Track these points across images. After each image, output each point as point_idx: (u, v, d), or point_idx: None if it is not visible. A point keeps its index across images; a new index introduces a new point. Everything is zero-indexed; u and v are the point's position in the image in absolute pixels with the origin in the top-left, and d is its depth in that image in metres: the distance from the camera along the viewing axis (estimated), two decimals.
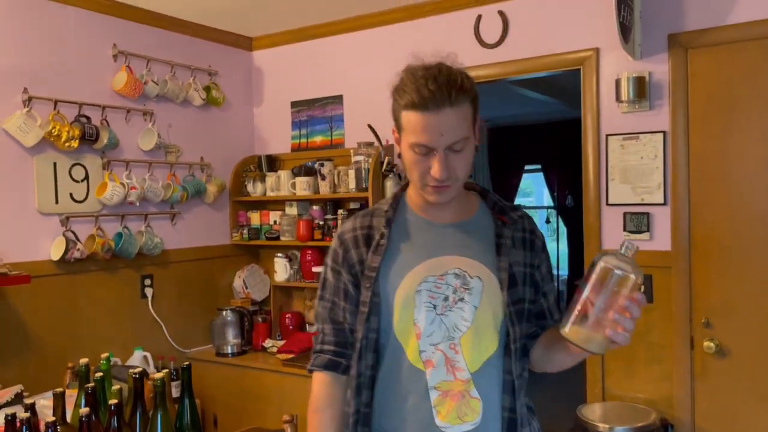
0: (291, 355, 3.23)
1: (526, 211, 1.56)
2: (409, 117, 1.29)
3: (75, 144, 2.84)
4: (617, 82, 2.73)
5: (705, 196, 2.65)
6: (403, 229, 1.42)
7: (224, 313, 3.41)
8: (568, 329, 1.19)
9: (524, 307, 1.38)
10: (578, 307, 1.18)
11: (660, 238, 2.72)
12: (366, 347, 1.37)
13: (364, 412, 1.36)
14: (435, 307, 1.34)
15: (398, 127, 1.35)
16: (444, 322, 1.33)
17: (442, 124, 1.26)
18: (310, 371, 1.46)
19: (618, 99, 2.75)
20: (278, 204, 3.69)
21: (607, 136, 2.81)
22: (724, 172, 2.61)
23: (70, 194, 2.93)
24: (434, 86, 1.25)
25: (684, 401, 2.68)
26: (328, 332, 1.44)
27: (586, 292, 1.17)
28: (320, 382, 1.43)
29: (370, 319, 1.36)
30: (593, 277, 1.17)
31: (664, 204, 2.70)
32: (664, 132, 2.70)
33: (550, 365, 1.42)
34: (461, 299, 1.34)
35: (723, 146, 2.61)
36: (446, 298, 1.34)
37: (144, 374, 1.74)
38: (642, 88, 2.69)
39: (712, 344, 2.61)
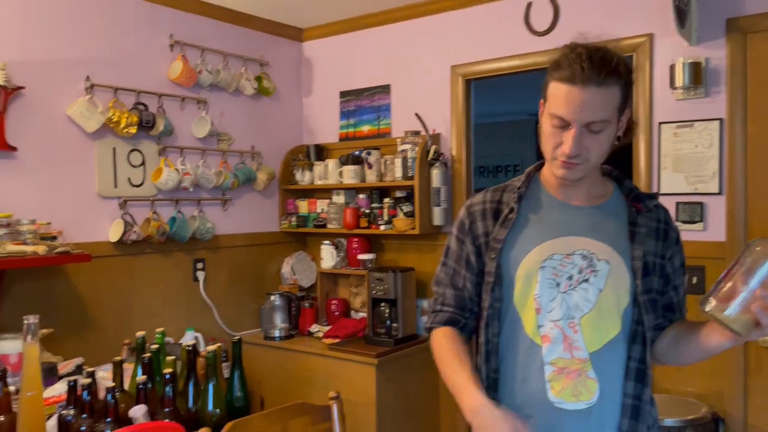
0: (336, 340, 3.28)
1: None
2: (555, 88, 1.30)
3: (133, 130, 2.95)
4: (672, 69, 2.67)
5: (763, 185, 2.56)
6: (535, 206, 1.44)
7: (272, 297, 3.48)
8: (713, 306, 1.18)
9: (653, 298, 1.38)
10: (727, 286, 1.18)
11: (714, 229, 2.65)
12: (492, 316, 1.39)
13: (493, 378, 1.39)
14: (558, 284, 1.35)
15: (544, 97, 1.36)
16: (566, 300, 1.34)
17: (585, 101, 1.26)
18: (429, 329, 1.50)
19: (672, 86, 2.68)
20: (326, 192, 3.75)
21: (660, 123, 2.75)
22: None
23: (128, 179, 3.04)
24: (587, 63, 1.26)
25: (736, 396, 2.60)
26: (449, 296, 1.49)
27: (739, 273, 1.17)
28: (443, 331, 1.46)
29: (494, 288, 1.39)
30: (748, 259, 1.17)
31: (719, 193, 2.63)
32: (720, 119, 2.62)
33: (677, 358, 1.41)
34: (586, 280, 1.34)
35: None
36: (570, 277, 1.35)
37: (196, 351, 1.81)
38: (698, 75, 2.62)
39: (767, 338, 2.53)
